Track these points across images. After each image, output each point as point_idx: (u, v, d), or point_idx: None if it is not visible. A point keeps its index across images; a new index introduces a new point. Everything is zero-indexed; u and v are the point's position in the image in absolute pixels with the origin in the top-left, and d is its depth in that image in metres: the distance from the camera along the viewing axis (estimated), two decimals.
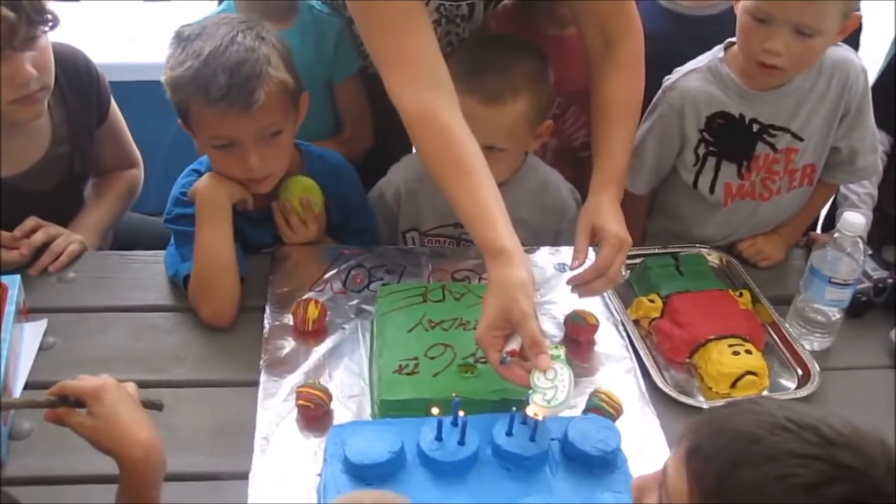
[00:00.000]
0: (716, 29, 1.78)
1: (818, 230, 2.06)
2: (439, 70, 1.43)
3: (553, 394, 1.22)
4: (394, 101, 1.43)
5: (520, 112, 1.63)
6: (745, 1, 1.56)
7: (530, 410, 1.21)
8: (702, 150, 1.75)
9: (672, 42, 1.86)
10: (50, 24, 1.55)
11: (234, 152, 1.56)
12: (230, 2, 1.95)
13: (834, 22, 1.54)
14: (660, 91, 1.75)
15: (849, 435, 0.81)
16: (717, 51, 1.72)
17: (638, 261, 1.72)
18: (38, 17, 1.51)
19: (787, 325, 1.59)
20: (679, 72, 1.74)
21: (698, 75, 1.72)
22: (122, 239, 1.95)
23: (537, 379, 1.23)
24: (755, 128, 1.71)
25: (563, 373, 1.24)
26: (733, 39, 1.67)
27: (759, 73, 1.62)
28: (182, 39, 1.54)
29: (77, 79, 1.75)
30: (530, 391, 1.23)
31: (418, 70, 1.41)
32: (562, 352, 1.28)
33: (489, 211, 1.34)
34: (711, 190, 1.78)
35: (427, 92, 1.40)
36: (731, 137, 1.72)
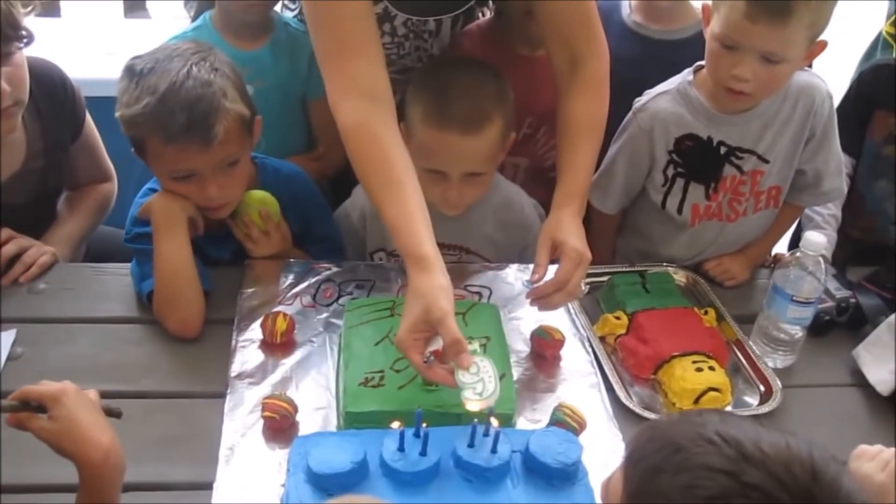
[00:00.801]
0: (684, 52, 1.81)
1: (784, 250, 2.09)
2: (381, 85, 1.47)
3: (482, 386, 1.25)
4: (332, 111, 1.48)
5: (495, 134, 1.64)
6: (714, 28, 1.59)
7: (469, 407, 1.24)
8: (670, 172, 1.78)
9: (640, 65, 1.89)
10: (25, 40, 1.56)
11: (193, 183, 1.58)
12: (206, 18, 1.98)
13: (800, 49, 1.57)
14: (630, 112, 1.78)
15: (770, 454, 0.82)
16: (687, 74, 1.75)
17: (605, 278, 1.74)
18: (12, 32, 1.52)
19: (750, 343, 1.61)
20: (649, 94, 1.77)
21: (668, 98, 1.75)
22: (95, 251, 1.95)
23: (462, 376, 1.26)
24: (722, 150, 1.74)
25: (484, 364, 1.27)
26: (702, 63, 1.70)
27: (726, 98, 1.65)
28: (135, 74, 1.54)
29: (53, 94, 1.76)
30: (460, 390, 1.25)
31: (359, 84, 1.45)
32: (476, 345, 1.30)
33: (413, 220, 1.37)
34: (679, 210, 1.80)
35: (364, 104, 1.44)
36: (699, 159, 1.75)
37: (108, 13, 2.94)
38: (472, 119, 1.60)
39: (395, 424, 1.21)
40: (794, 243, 2.10)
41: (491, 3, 1.96)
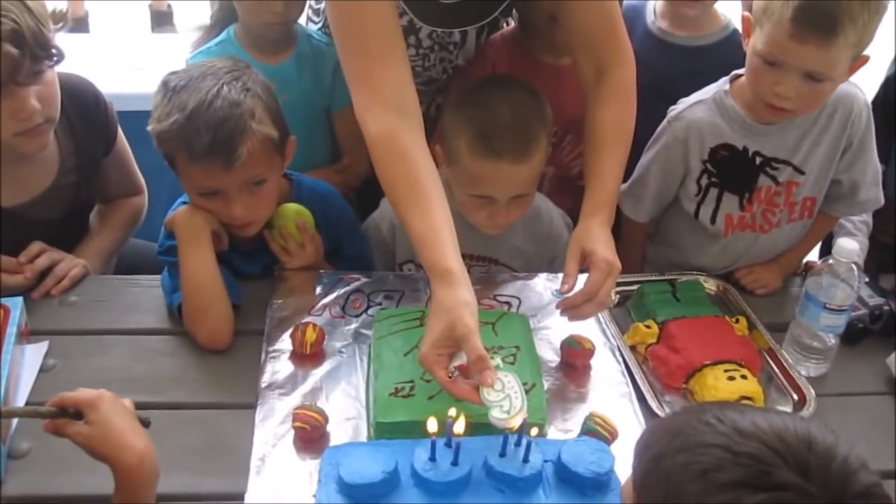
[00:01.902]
0: (709, 59, 1.80)
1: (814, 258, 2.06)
2: (407, 96, 1.46)
3: (509, 403, 1.23)
4: (359, 122, 1.47)
5: (542, 155, 1.65)
6: (756, 44, 1.56)
7: (499, 426, 1.22)
8: (704, 181, 1.76)
9: (666, 71, 1.88)
10: (55, 58, 1.56)
11: (219, 200, 1.58)
12: (230, 33, 1.99)
13: (844, 66, 1.54)
14: (665, 121, 1.76)
15: (764, 427, 0.82)
16: (723, 83, 1.73)
17: (635, 287, 1.73)
18: (42, 52, 1.51)
19: (783, 351, 1.60)
20: (685, 102, 1.76)
21: (704, 107, 1.72)
22: (125, 264, 1.96)
23: (487, 394, 1.24)
24: (758, 160, 1.72)
25: (509, 379, 1.26)
26: (739, 72, 1.67)
27: (766, 112, 1.63)
28: (168, 90, 1.55)
29: (86, 110, 1.77)
30: (488, 408, 1.24)
31: (386, 95, 1.45)
32: (499, 360, 1.29)
33: (439, 234, 1.37)
34: (712, 220, 1.78)
35: (391, 116, 1.43)
36: (734, 169, 1.73)
37: (135, 28, 2.97)
38: (523, 146, 1.60)
39: (433, 425, 1.20)
40: (825, 250, 2.09)
41: (515, 12, 1.96)
